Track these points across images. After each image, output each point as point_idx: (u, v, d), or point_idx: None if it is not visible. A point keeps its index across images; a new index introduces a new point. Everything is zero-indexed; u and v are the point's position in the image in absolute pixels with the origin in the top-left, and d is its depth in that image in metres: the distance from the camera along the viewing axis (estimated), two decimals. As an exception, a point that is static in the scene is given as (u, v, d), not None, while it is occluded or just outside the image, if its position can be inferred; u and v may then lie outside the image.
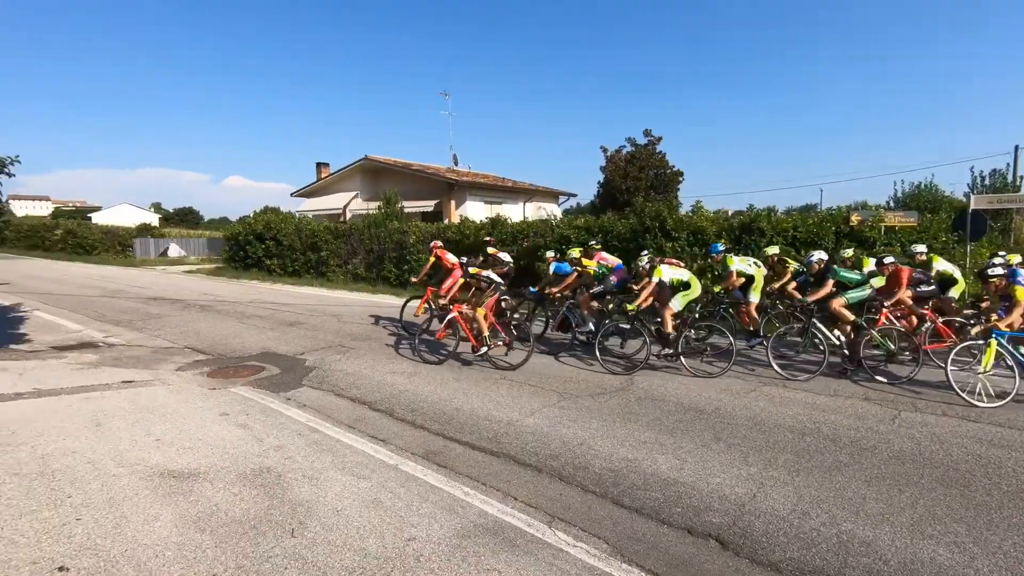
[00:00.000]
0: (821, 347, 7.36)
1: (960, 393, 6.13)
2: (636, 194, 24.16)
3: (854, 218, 10.94)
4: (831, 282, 7.38)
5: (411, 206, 24.19)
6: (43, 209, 71.70)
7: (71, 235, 34.01)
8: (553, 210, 30.98)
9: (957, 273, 8.31)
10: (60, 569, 2.98)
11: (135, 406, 5.84)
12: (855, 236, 10.76)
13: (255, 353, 8.55)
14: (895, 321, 7.73)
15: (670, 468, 4.55)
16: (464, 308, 8.05)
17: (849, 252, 9.16)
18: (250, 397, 6.34)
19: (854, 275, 7.62)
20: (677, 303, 7.63)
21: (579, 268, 9.06)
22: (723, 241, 11.27)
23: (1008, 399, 6.08)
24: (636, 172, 25.97)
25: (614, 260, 9.67)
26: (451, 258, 10.30)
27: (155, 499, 3.81)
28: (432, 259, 10.47)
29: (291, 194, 30.26)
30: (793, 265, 9.11)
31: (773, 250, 9.27)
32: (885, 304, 7.52)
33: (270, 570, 3.04)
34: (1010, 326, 6.36)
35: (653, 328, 7.90)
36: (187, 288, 17.58)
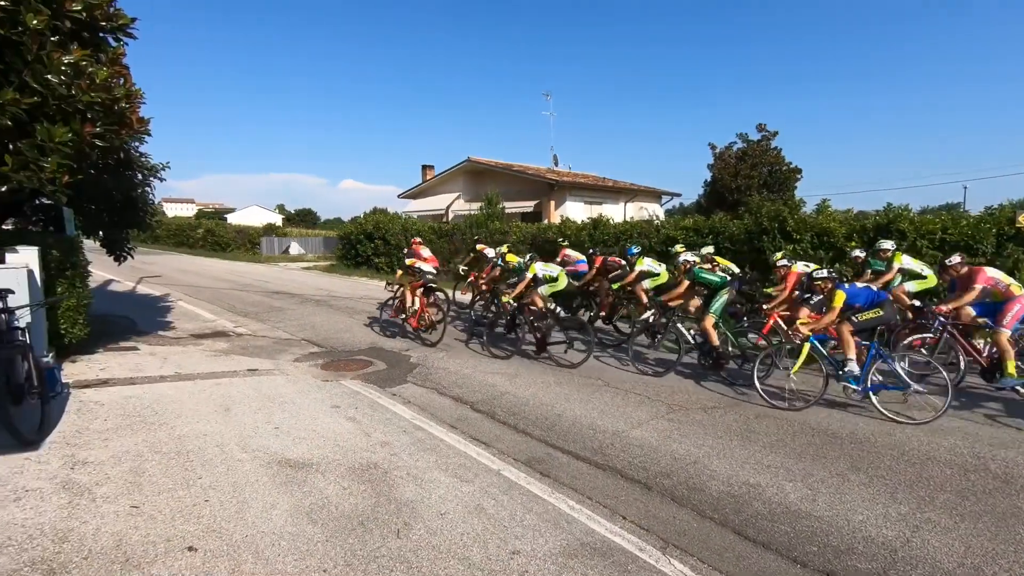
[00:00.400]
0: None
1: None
2: (747, 193, 22.69)
3: (1021, 218, 9.41)
4: (687, 283, 7.55)
5: (511, 207, 24.37)
6: (188, 210, 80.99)
7: (210, 234, 38.20)
8: (655, 210, 29.92)
9: (926, 271, 8.34)
10: (189, 549, 3.15)
11: (258, 393, 6.24)
12: (1022, 238, 9.24)
13: (364, 348, 8.91)
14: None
15: (800, 499, 4.06)
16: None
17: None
18: (359, 391, 6.56)
19: (714, 276, 7.57)
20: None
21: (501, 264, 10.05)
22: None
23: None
24: (748, 170, 24.39)
25: (576, 255, 11.38)
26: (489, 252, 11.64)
27: (273, 487, 3.97)
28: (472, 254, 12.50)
29: (398, 195, 31.65)
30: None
31: (708, 249, 10.13)
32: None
33: (376, 571, 3.02)
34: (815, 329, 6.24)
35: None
36: (305, 284, 18.89)
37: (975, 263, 7.92)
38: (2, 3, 4.92)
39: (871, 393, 5.87)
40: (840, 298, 6.05)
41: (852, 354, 5.99)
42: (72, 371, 6.62)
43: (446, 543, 3.33)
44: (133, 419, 5.17)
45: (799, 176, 26.53)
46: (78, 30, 5.84)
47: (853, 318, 6.06)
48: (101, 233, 8.84)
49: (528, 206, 25.70)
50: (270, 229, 39.03)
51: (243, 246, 36.48)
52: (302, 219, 76.14)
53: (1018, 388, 6.23)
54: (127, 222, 9.13)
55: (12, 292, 4.99)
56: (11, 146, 5.35)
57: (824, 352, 6.26)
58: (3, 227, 8.15)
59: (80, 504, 3.57)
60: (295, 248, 36.42)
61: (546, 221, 23.96)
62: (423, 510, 3.73)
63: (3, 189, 5.42)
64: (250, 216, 68.07)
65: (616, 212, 28.51)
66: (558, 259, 10.99)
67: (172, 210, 75.95)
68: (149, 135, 6.22)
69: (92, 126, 5.67)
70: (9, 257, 6.01)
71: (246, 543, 3.24)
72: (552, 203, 25.61)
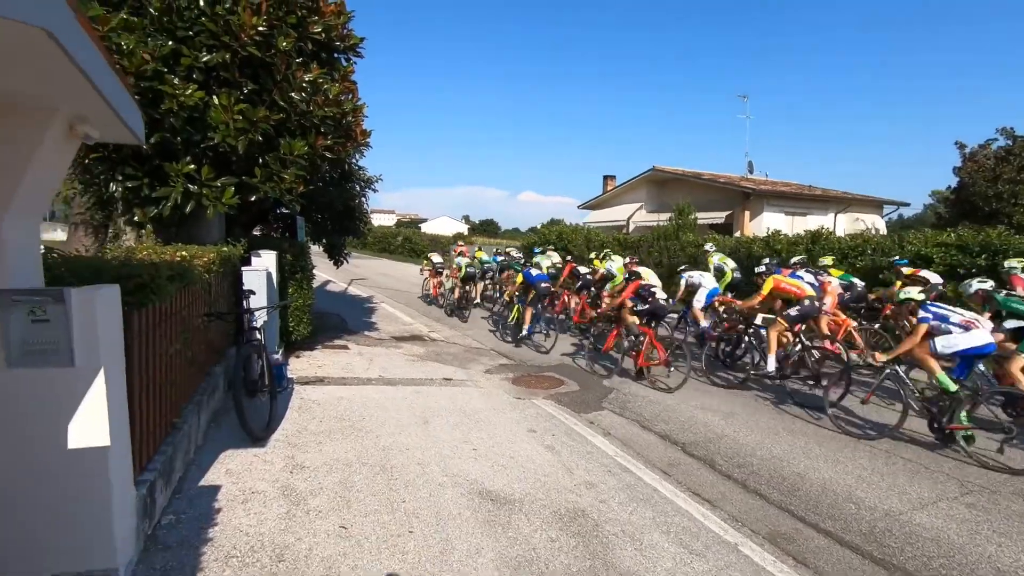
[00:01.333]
0: None
1: None
2: (1015, 201, 18.08)
3: None
4: None
5: (700, 218, 22.57)
6: (390, 220, 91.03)
7: (408, 241, 42.30)
8: (875, 222, 25.57)
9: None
10: (395, 594, 2.82)
11: (454, 406, 6.06)
12: None
13: (552, 364, 8.47)
14: None
15: None
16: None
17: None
18: (554, 414, 6.05)
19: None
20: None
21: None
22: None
23: None
24: (1014, 173, 19.39)
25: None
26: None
27: (476, 525, 3.55)
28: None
29: (578, 207, 31.47)
30: None
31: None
32: None
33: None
34: None
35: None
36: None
37: None
38: (260, 28, 5.36)
39: None
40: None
41: None
42: (296, 367, 7.16)
43: (691, 650, 2.55)
44: (344, 423, 5.25)
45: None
46: (317, 51, 6.26)
47: None
48: (324, 240, 9.70)
49: (718, 217, 23.57)
50: (458, 238, 41.82)
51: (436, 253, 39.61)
52: (485, 229, 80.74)
53: None
54: (346, 229, 9.93)
55: (253, 293, 5.38)
56: (260, 159, 5.86)
57: None
58: (252, 233, 9.31)
59: (296, 516, 3.49)
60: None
61: (738, 233, 21.75)
62: (652, 590, 2.99)
63: (252, 199, 5.96)
64: (440, 226, 74.08)
65: (824, 224, 24.89)
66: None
67: (377, 220, 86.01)
68: (369, 147, 6.53)
69: (323, 139, 6.00)
70: (255, 260, 6.65)
71: (453, 599, 2.80)
72: (747, 214, 23.19)
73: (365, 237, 12.26)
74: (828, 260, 9.66)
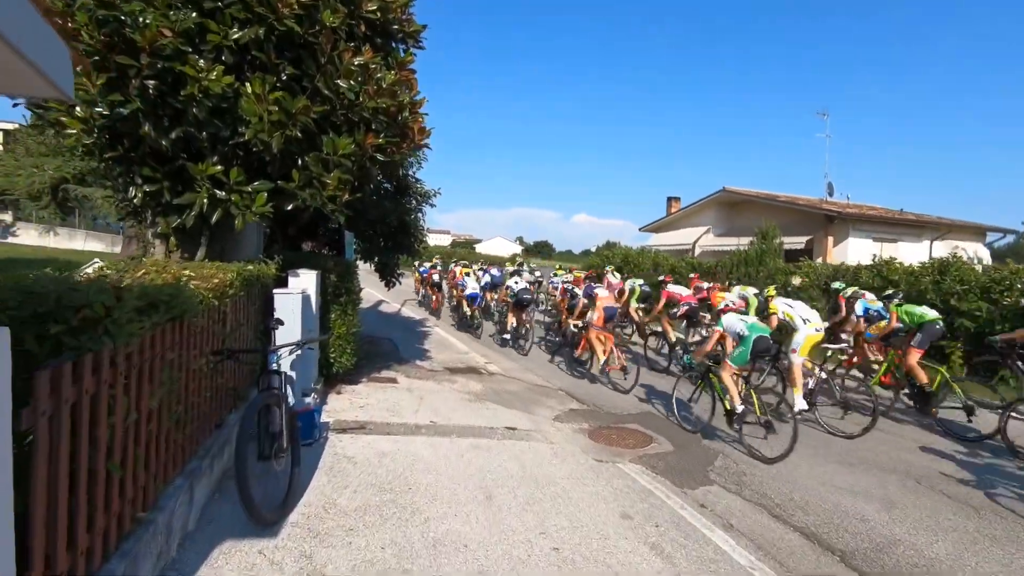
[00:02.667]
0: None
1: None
2: None
3: None
4: None
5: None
6: (445, 240, 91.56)
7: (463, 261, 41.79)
8: (977, 250, 22.79)
9: None
10: None
11: (522, 471, 4.73)
12: None
13: (633, 412, 7.02)
14: None
15: None
16: None
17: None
18: (650, 489, 4.62)
19: None
20: None
21: None
22: None
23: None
24: None
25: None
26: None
27: None
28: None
29: (639, 229, 29.87)
30: None
31: None
32: None
33: None
34: None
35: None
36: (547, 316, 18.08)
37: None
38: None
39: None
40: None
41: None
42: (334, 406, 6.04)
43: None
44: (384, 495, 4.01)
45: None
46: (370, 34, 5.22)
47: None
48: (376, 258, 8.68)
49: (797, 242, 21.43)
50: (515, 259, 40.85)
51: (489, 274, 38.69)
52: (539, 250, 79.74)
53: None
54: (400, 247, 8.88)
55: (282, 323, 4.28)
56: (299, 160, 4.83)
57: None
58: (302, 248, 8.40)
59: None
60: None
61: (820, 260, 19.62)
62: None
63: (289, 207, 4.92)
64: (495, 246, 73.56)
65: (918, 252, 22.40)
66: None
67: (432, 240, 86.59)
68: (429, 147, 5.40)
69: (374, 136, 4.90)
70: (292, 281, 5.62)
71: None
72: (830, 239, 21.01)
73: (421, 257, 11.06)
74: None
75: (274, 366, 3.87)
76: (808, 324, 6.52)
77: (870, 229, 21.65)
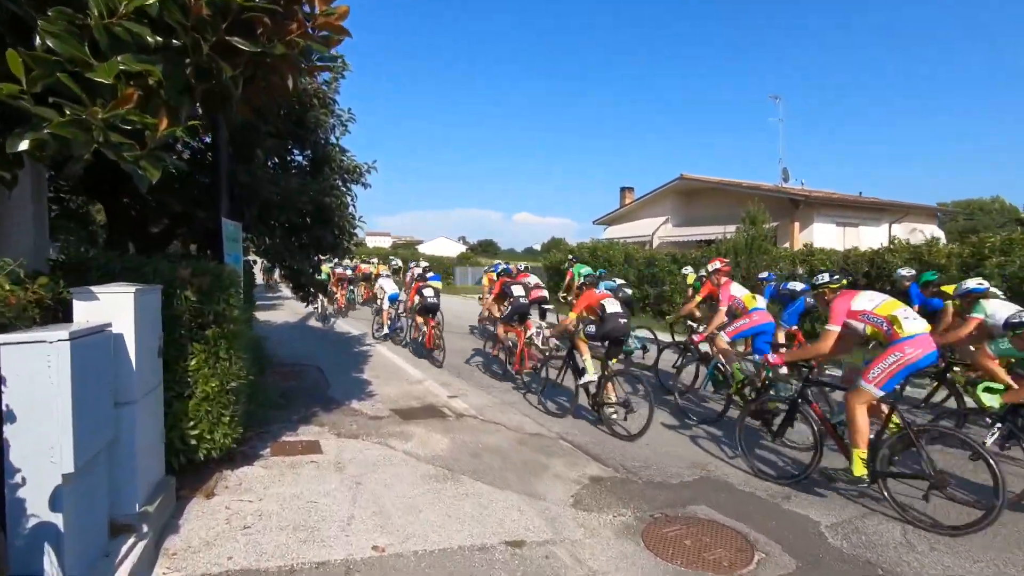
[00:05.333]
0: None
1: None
2: None
3: None
4: None
5: (734, 230, 18.98)
6: (385, 242, 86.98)
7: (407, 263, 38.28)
8: (933, 232, 22.19)
9: None
10: None
11: None
12: None
13: (688, 478, 4.55)
14: None
15: None
16: None
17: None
18: None
19: None
20: None
21: None
22: None
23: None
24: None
25: None
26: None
27: None
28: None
29: (593, 221, 27.86)
30: None
31: None
32: None
33: None
34: None
35: None
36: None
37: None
38: None
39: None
40: None
41: None
42: (192, 535, 3.22)
43: None
44: None
45: None
46: None
47: None
48: (285, 263, 5.77)
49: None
50: (464, 259, 37.79)
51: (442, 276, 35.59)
52: (484, 250, 76.90)
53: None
54: (319, 244, 6.03)
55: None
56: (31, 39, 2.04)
57: None
58: (167, 249, 5.46)
59: None
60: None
61: (785, 246, 18.21)
62: None
63: (22, 147, 2.09)
64: (438, 247, 70.00)
65: (878, 235, 21.56)
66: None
67: (372, 241, 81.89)
68: (346, 35, 2.67)
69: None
70: (82, 308, 2.79)
71: None
72: (796, 225, 19.74)
73: (352, 257, 8.13)
74: None
75: None
76: None
77: (833, 214, 20.58)
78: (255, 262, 7.72)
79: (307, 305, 7.04)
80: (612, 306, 5.74)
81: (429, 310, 9.26)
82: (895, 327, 3.81)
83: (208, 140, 4.91)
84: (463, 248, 66.40)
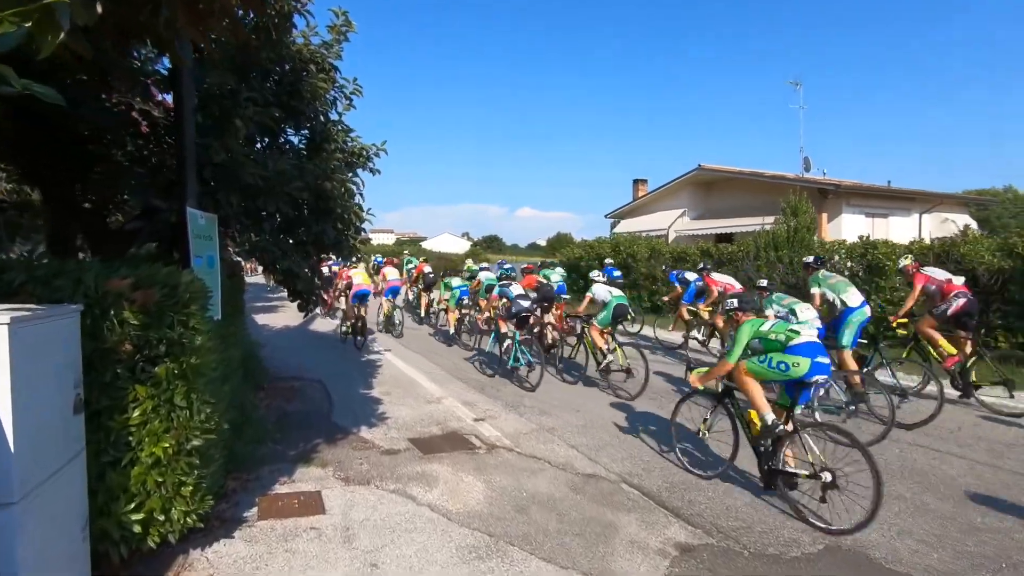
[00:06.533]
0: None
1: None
2: None
3: None
4: None
5: (752, 223, 17.76)
6: (389, 239, 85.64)
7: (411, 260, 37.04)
8: (966, 222, 20.94)
9: None
10: None
11: None
12: None
13: (810, 547, 3.43)
14: None
15: None
16: None
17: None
18: None
19: None
20: None
21: None
22: None
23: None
24: None
25: None
26: None
27: None
28: None
29: (605, 215, 26.66)
30: None
31: None
32: None
33: None
34: None
35: None
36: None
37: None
38: None
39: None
40: None
41: None
42: None
43: None
44: None
45: None
46: None
47: None
48: (276, 264, 4.60)
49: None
50: (472, 255, 36.45)
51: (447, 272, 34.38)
52: (488, 245, 75.72)
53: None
54: (318, 240, 4.87)
55: None
56: None
57: None
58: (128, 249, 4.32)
59: None
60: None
61: (815, 237, 16.99)
62: None
63: None
64: (442, 243, 68.84)
65: (908, 226, 20.39)
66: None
67: (376, 238, 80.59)
68: None
69: None
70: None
71: None
72: (824, 216, 18.51)
73: (357, 255, 6.94)
74: None
75: None
76: None
77: (863, 204, 19.34)
78: (241, 263, 6.57)
79: (305, 315, 5.88)
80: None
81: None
82: None
83: (168, 99, 3.77)
84: (467, 244, 65.16)
